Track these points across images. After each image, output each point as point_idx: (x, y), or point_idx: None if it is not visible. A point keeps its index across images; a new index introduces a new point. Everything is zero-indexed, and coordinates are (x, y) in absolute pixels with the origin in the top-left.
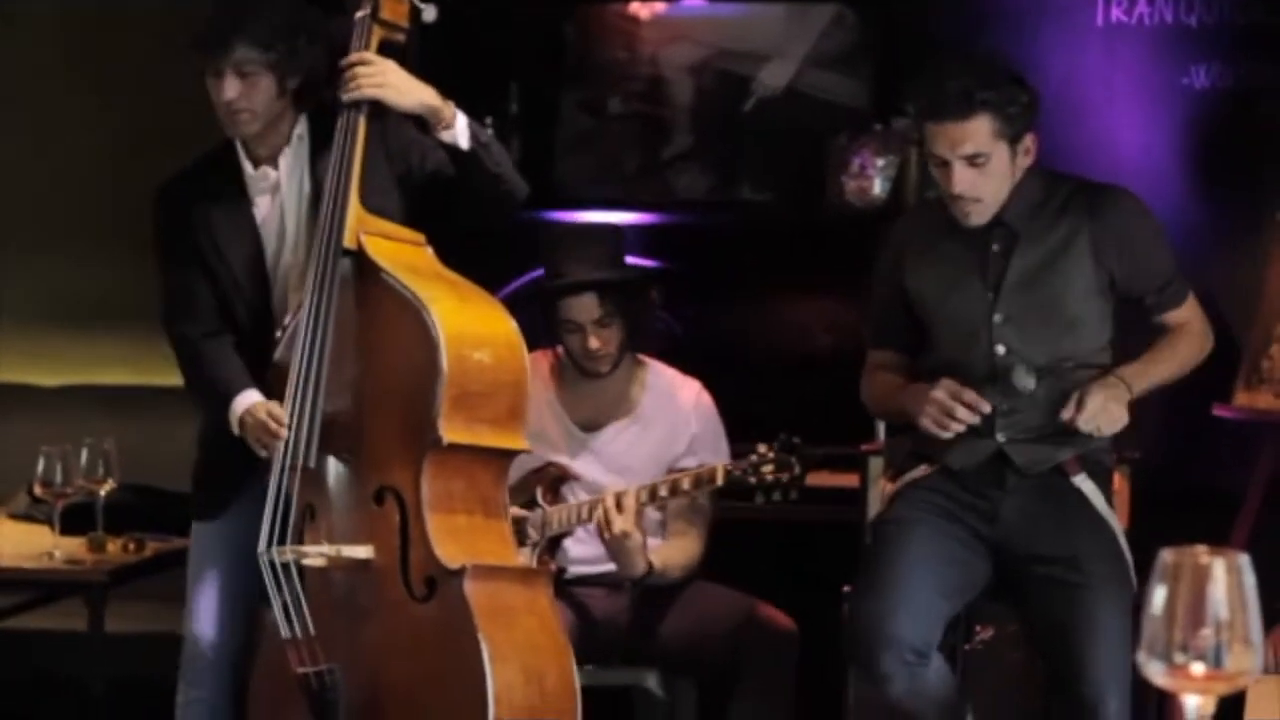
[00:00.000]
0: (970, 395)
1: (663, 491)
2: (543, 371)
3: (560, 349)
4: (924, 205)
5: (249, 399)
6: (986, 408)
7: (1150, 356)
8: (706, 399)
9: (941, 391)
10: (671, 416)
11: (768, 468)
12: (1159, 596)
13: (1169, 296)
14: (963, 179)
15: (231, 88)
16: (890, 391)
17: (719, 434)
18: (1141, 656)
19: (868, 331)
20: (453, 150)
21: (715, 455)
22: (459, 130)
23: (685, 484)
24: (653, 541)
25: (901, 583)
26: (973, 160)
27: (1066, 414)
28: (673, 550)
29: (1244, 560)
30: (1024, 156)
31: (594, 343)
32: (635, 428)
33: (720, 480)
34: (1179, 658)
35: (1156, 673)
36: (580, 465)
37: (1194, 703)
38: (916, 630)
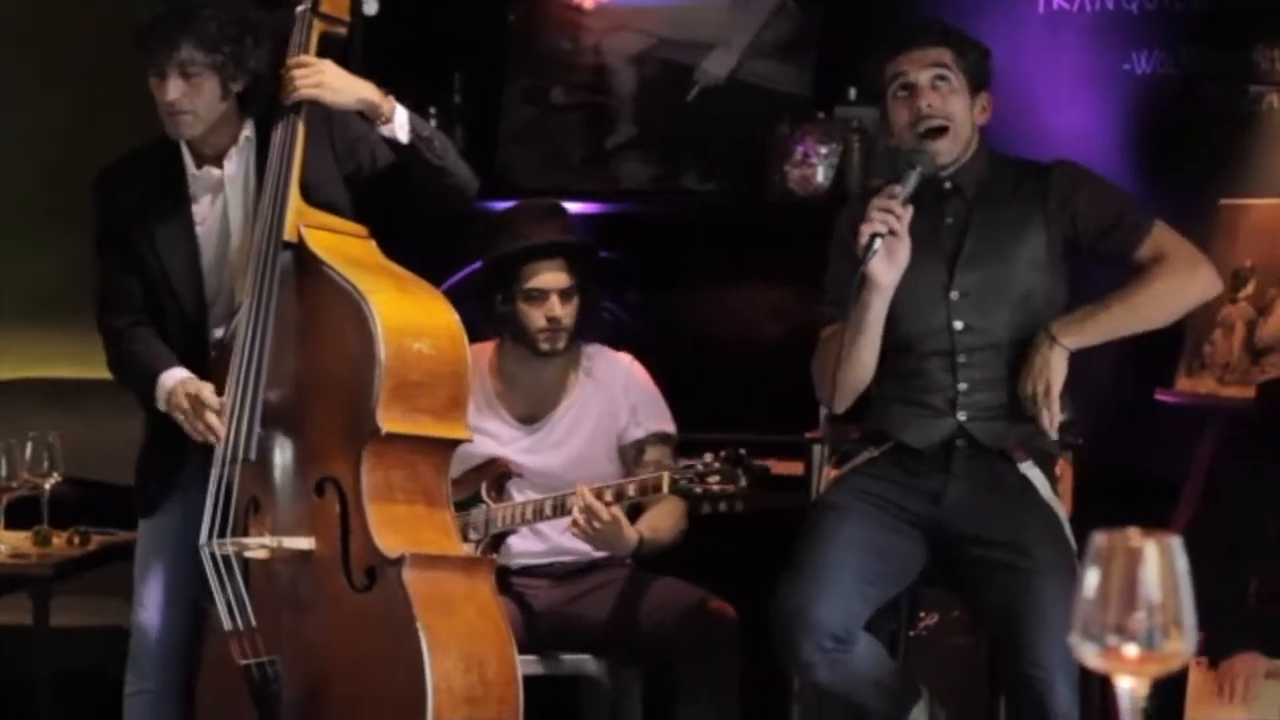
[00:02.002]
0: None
1: (608, 496)
2: (482, 366)
3: (499, 342)
4: (875, 188)
5: (176, 375)
6: (895, 189)
7: (1096, 303)
8: (638, 368)
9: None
10: (607, 393)
11: (713, 478)
12: (1091, 579)
13: (1126, 233)
14: (930, 97)
15: (174, 88)
16: (841, 328)
17: (658, 400)
18: (1075, 639)
19: (827, 309)
20: (394, 144)
21: (662, 421)
22: (398, 124)
23: (631, 490)
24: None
25: (822, 570)
26: (937, 81)
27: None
28: (657, 516)
29: (1176, 543)
30: (980, 113)
31: (557, 310)
32: (573, 412)
33: (665, 488)
34: (1112, 640)
35: (1090, 655)
36: (526, 458)
37: (1127, 684)
38: (835, 617)
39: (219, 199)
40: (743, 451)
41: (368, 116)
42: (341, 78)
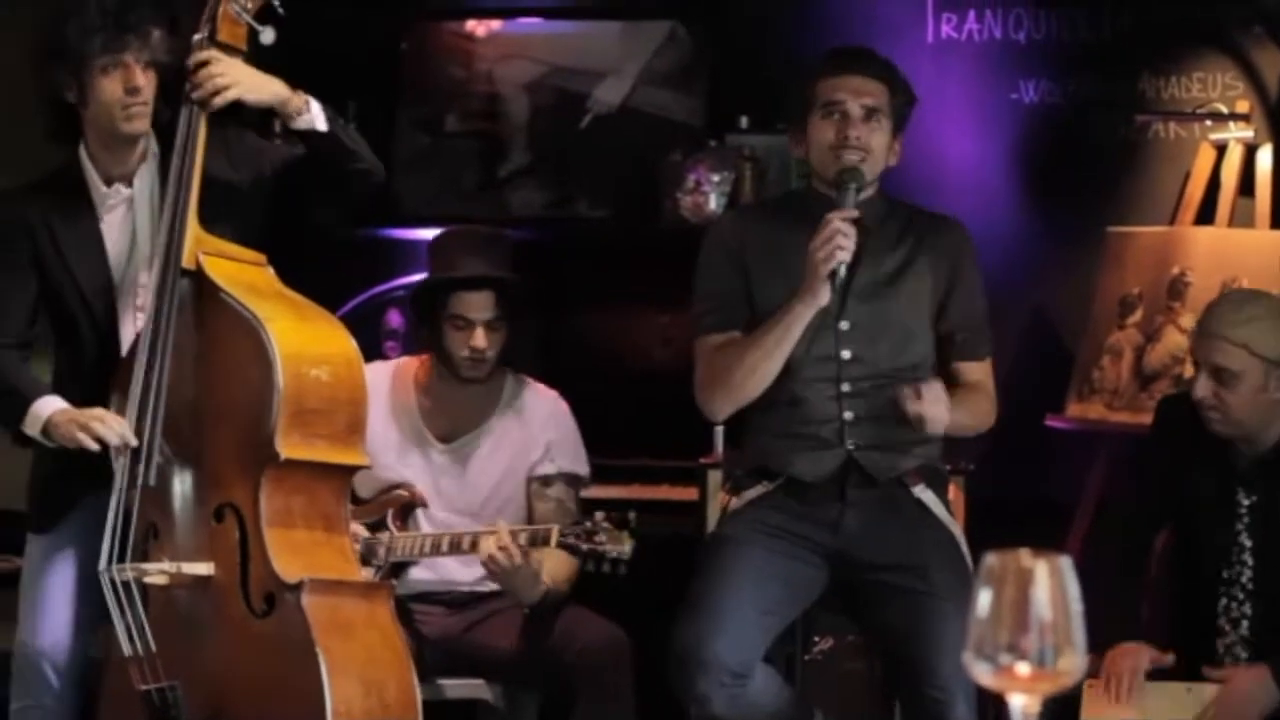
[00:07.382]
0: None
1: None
2: (407, 379)
3: (428, 356)
4: (757, 206)
5: (54, 403)
6: (854, 213)
7: (957, 398)
8: (563, 406)
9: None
10: (528, 425)
11: (600, 537)
12: (984, 599)
13: (977, 342)
14: (860, 129)
15: (141, 76)
16: (750, 338)
17: (577, 441)
18: (968, 658)
19: (707, 320)
20: (311, 135)
21: (574, 462)
22: (315, 113)
23: (521, 539)
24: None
25: (719, 605)
26: (869, 116)
27: (909, 404)
28: (554, 564)
29: (1066, 562)
30: (893, 155)
31: (481, 341)
32: (491, 438)
33: (554, 542)
34: (1005, 659)
35: (983, 674)
36: (439, 476)
37: (1019, 702)
38: (733, 653)
39: (129, 216)
40: (631, 515)
41: (281, 113)
42: (254, 74)
